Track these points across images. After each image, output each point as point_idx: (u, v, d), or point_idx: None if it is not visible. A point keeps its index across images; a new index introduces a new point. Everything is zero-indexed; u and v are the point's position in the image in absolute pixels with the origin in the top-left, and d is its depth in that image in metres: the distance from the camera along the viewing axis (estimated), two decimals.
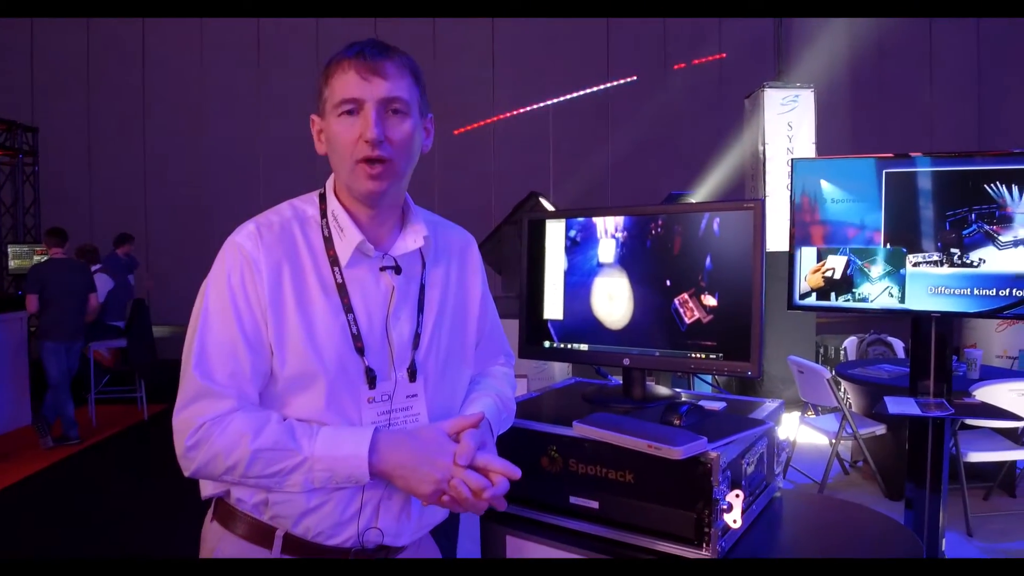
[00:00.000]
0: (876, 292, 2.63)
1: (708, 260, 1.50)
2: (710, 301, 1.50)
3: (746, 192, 7.31)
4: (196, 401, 1.09)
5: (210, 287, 1.14)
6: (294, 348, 1.12)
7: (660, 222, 1.57)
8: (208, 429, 1.08)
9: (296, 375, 1.12)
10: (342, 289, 1.16)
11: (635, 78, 9.64)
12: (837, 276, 2.68)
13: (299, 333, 1.12)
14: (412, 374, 1.20)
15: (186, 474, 1.12)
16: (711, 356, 1.51)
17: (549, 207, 3.62)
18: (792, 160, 2.88)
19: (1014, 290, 2.46)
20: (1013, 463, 4.16)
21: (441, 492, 1.09)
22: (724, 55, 8.73)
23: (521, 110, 9.59)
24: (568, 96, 9.66)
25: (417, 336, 1.22)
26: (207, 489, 1.21)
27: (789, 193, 2.83)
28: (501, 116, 9.57)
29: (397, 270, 1.21)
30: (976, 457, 3.76)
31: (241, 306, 1.12)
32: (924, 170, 2.58)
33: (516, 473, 1.10)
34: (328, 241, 1.18)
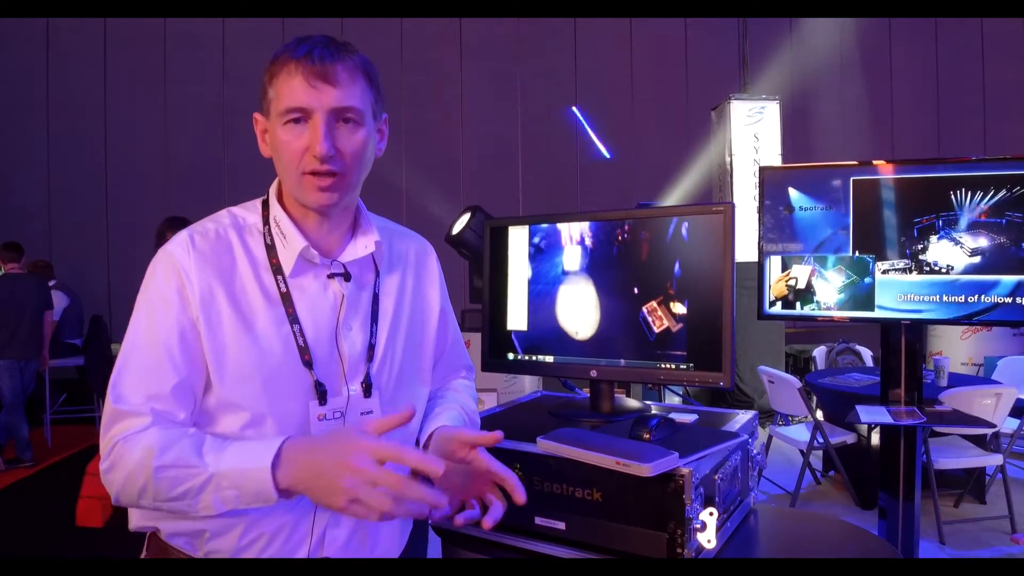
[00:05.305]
0: (842, 300, 2.60)
1: (677, 266, 1.45)
2: (679, 309, 1.44)
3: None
4: (112, 425, 1.01)
5: (139, 301, 1.06)
6: (233, 361, 1.03)
7: (627, 227, 1.51)
8: (120, 448, 0.98)
9: (236, 390, 1.03)
10: (286, 298, 1.08)
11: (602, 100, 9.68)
12: (801, 285, 2.66)
13: (237, 345, 1.04)
14: (367, 388, 1.12)
15: (113, 502, 1.02)
16: (681, 366, 1.45)
17: (461, 221, 3.38)
18: (760, 168, 2.85)
19: (983, 296, 2.45)
20: (982, 469, 4.17)
21: (354, 500, 0.88)
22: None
23: (489, 113, 9.55)
24: (535, 109, 9.65)
25: (371, 348, 1.14)
26: (133, 520, 1.11)
27: (757, 202, 2.80)
28: (469, 119, 9.50)
29: (346, 277, 1.13)
30: (947, 464, 3.76)
31: (168, 321, 1.02)
32: (890, 177, 2.57)
33: (438, 468, 0.88)
34: (271, 249, 1.10)
